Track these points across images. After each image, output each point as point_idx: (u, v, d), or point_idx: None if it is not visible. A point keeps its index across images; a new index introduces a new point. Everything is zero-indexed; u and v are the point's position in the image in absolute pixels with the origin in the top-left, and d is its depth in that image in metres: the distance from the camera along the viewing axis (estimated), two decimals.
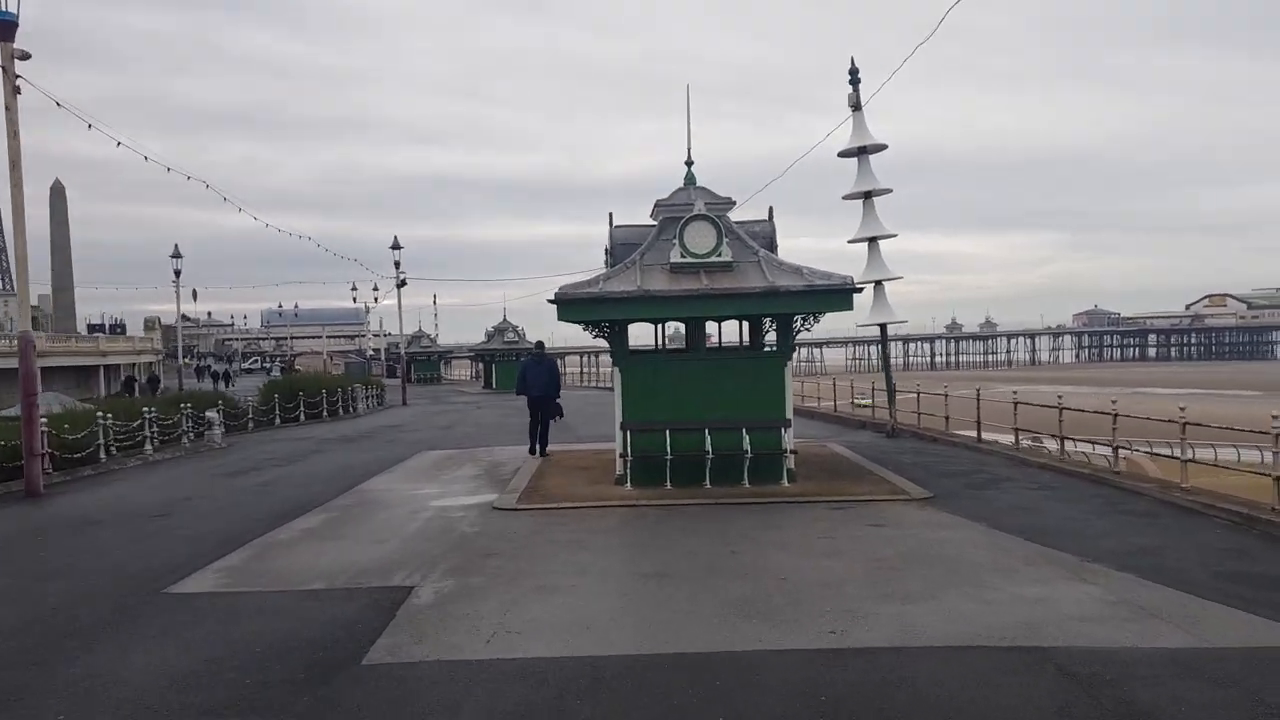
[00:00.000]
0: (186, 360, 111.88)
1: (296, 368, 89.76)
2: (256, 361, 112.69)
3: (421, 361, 78.40)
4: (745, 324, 17.10)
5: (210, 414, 25.41)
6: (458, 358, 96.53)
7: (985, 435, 19.79)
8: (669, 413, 14.23)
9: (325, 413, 35.58)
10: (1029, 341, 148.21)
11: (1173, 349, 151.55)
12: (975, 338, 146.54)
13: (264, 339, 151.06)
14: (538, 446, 18.38)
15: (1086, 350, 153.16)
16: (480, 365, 67.22)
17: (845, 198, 22.16)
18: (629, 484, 14.05)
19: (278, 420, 32.28)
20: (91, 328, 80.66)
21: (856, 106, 21.75)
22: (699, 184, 15.42)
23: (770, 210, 15.87)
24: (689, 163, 15.66)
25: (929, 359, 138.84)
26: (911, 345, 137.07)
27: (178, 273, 55.33)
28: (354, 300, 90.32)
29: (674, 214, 14.83)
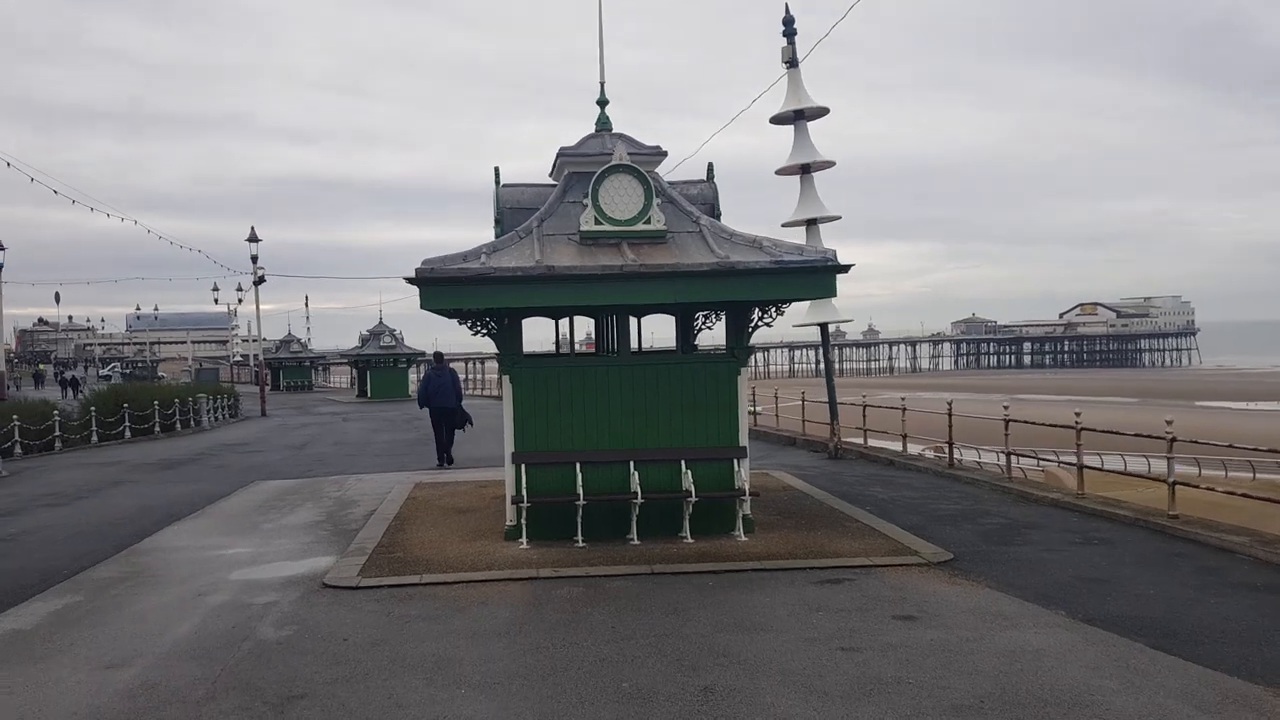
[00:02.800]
0: (41, 366, 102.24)
1: (160, 375, 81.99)
2: (116, 367, 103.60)
3: (291, 368, 72.10)
4: (675, 320, 13.27)
5: None
6: (336, 364, 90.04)
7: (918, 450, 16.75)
8: (581, 439, 10.28)
9: (159, 428, 30.15)
10: (910, 349, 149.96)
11: (1047, 356, 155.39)
12: (859, 345, 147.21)
13: (127, 344, 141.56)
14: (445, 458, 17.88)
15: (965, 358, 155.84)
16: (355, 372, 61.50)
17: (779, 172, 18.64)
18: (524, 539, 10.02)
19: (94, 438, 26.83)
20: None
21: (792, 63, 18.24)
22: (616, 131, 11.54)
23: (710, 168, 12.08)
24: (602, 102, 11.75)
25: (813, 366, 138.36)
26: (797, 353, 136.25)
27: None
28: (215, 301, 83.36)
29: (584, 167, 10.91)
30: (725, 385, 10.41)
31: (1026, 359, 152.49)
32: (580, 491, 9.88)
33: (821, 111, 18.25)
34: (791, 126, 18.37)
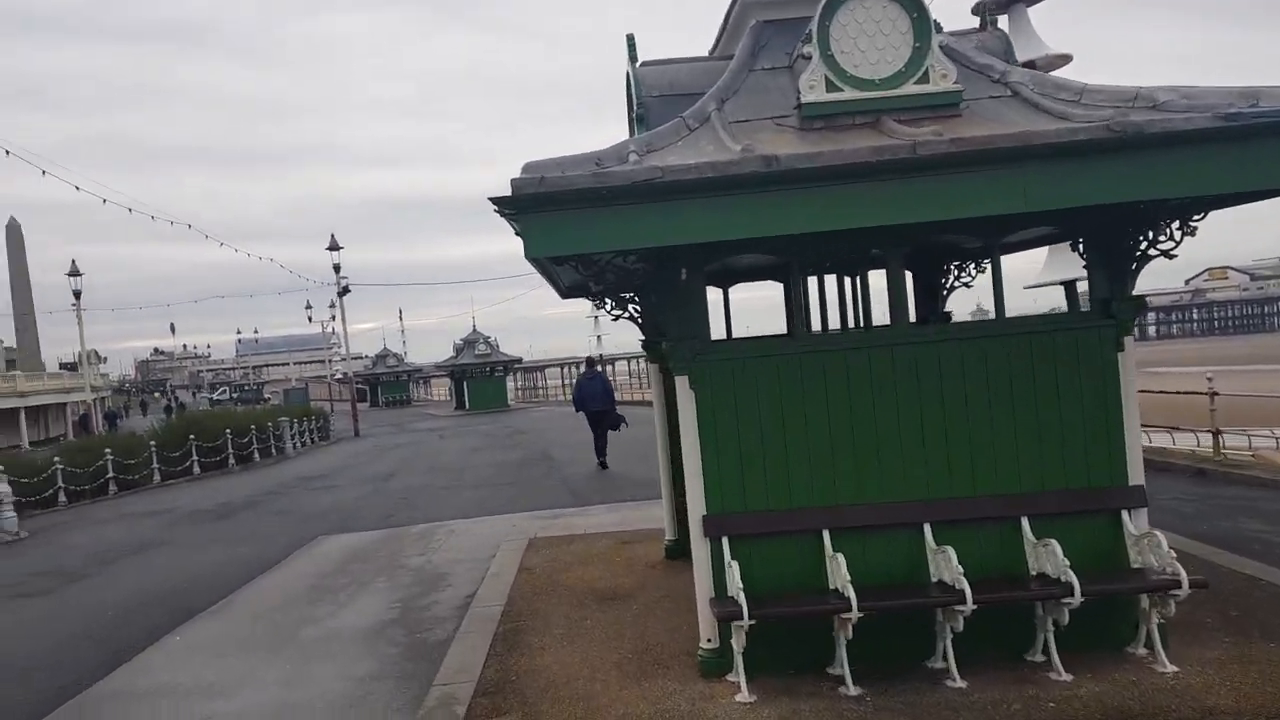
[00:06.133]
0: (157, 394, 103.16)
1: (266, 396, 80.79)
2: (224, 391, 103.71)
3: (389, 383, 69.81)
4: (913, 276, 8.44)
5: None
6: (435, 376, 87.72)
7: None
8: (828, 485, 5.62)
9: (233, 459, 26.64)
10: None
11: (1174, 326, 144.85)
12: (972, 325, 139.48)
13: (234, 369, 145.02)
14: (601, 462, 17.68)
15: None
16: (452, 383, 58.12)
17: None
18: (742, 679, 5.39)
19: (156, 477, 23.32)
20: (64, 365, 72.09)
21: None
22: None
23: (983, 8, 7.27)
24: None
25: None
26: None
27: (77, 294, 46.49)
28: (309, 320, 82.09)
29: (787, 10, 6.28)
30: (1095, 372, 5.57)
31: (1151, 330, 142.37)
32: (851, 592, 5.19)
33: None
34: (1004, 15, 13.36)
